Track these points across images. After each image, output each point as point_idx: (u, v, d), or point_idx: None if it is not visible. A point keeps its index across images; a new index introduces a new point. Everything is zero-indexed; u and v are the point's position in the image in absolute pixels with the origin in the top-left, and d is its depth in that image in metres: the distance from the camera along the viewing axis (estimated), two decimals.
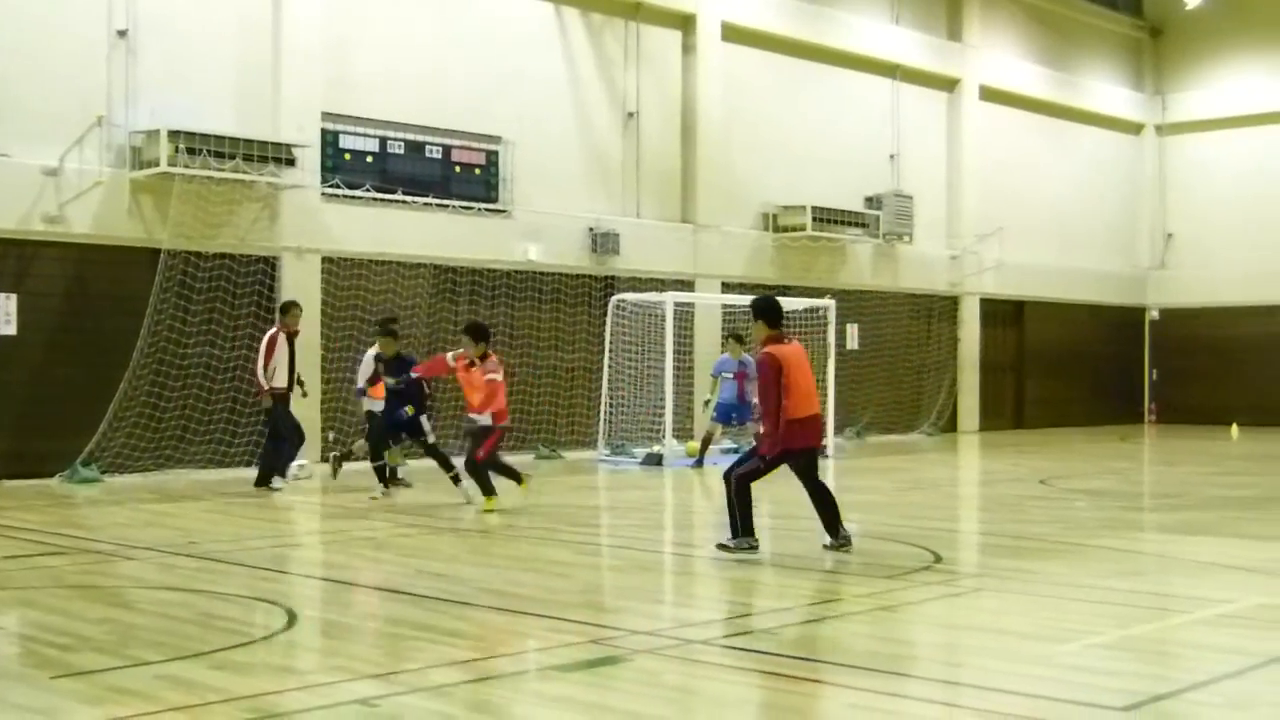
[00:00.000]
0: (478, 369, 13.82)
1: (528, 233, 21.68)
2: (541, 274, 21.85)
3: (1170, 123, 33.78)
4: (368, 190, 19.98)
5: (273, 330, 16.41)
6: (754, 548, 10.70)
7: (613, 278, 22.78)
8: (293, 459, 16.79)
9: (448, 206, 20.90)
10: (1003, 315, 30.27)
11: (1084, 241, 32.14)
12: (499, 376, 13.94)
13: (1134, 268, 33.62)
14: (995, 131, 29.80)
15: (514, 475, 14.28)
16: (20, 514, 13.59)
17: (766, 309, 11.16)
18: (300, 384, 16.51)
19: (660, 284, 22.31)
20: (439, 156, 21.05)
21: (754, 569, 10.88)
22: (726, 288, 24.16)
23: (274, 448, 16.38)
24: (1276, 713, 6.34)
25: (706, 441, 19.66)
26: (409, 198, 20.44)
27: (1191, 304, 32.69)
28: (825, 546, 10.94)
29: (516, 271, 21.55)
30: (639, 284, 22.47)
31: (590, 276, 22.65)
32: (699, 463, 19.39)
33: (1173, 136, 33.80)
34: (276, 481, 16.05)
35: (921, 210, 27.65)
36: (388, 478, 15.50)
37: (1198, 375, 31.77)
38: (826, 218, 25.26)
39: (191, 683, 6.47)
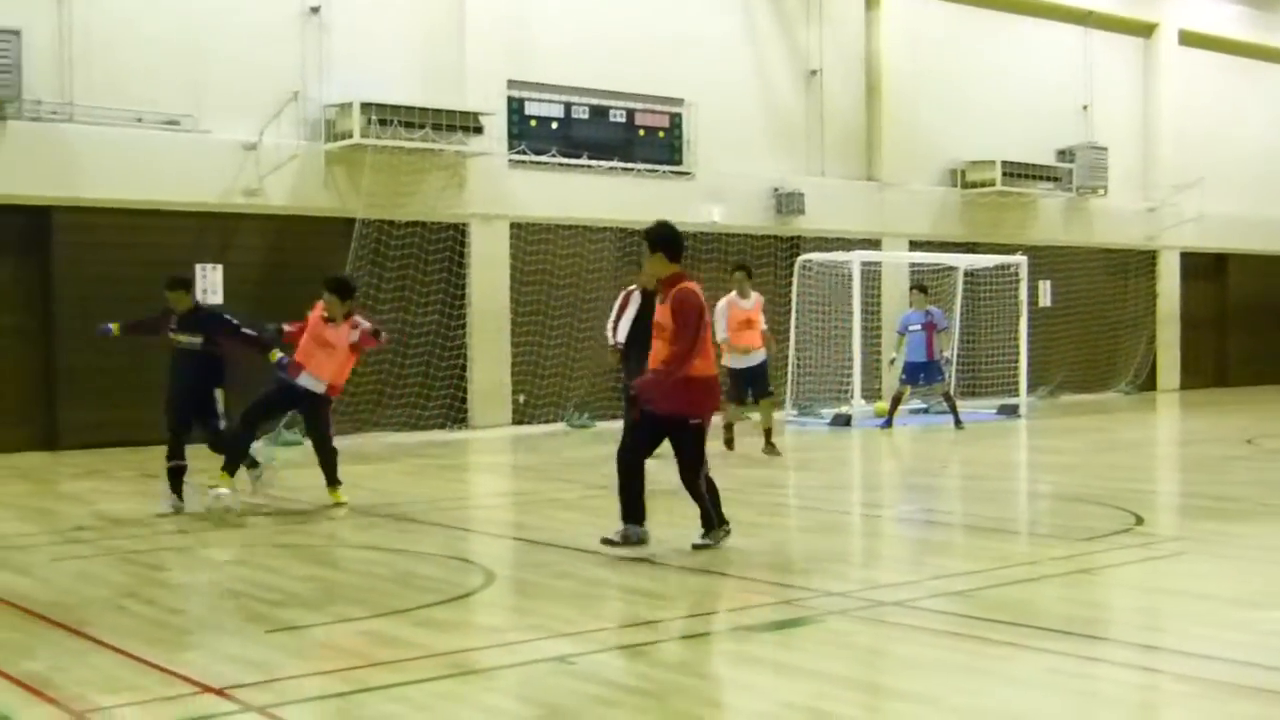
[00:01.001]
0: (340, 328, 11.75)
1: (711, 194, 21.68)
2: (726, 235, 21.84)
3: None
4: (553, 156, 20.20)
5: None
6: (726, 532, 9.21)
7: (798, 238, 22.66)
8: None
9: (631, 170, 21.01)
10: (1203, 269, 29.27)
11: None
12: (357, 339, 11.85)
13: None
14: (1194, 77, 28.75)
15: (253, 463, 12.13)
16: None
17: (668, 239, 9.02)
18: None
19: (846, 243, 22.12)
20: (622, 120, 21.17)
21: (946, 530, 10.78)
22: (913, 246, 23.85)
23: None
24: None
25: (896, 401, 19.46)
26: (593, 162, 20.60)
27: None
28: (695, 546, 9.13)
29: (701, 234, 21.57)
30: (824, 244, 22.31)
31: (775, 237, 22.57)
32: (888, 423, 19.21)
33: None
34: None
35: (1116, 162, 26.86)
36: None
37: None
38: (1016, 172, 24.72)
39: (394, 638, 6.68)
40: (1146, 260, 28.27)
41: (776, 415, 16.33)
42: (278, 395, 11.90)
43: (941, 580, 8.38)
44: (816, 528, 11.07)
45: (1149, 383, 27.89)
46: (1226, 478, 14.16)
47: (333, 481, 11.80)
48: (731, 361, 15.47)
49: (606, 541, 9.13)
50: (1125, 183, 27.42)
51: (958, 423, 18.84)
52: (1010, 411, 21.17)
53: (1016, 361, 21.52)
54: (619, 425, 19.00)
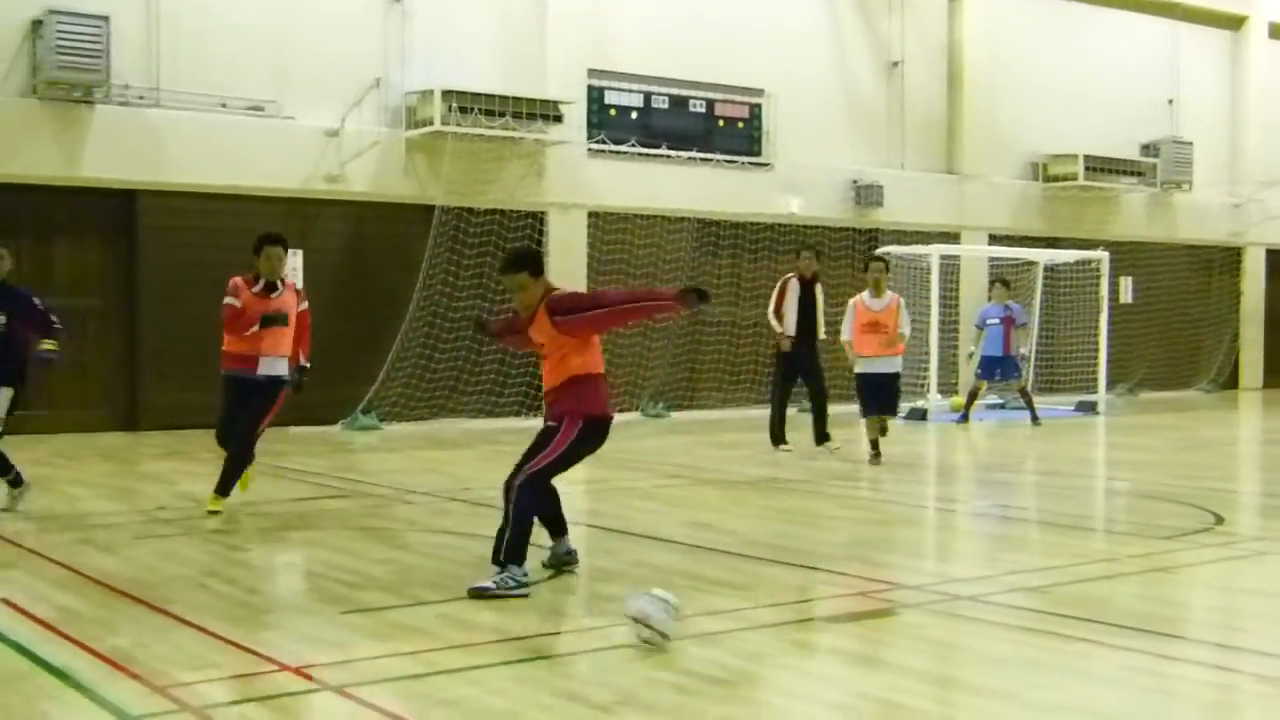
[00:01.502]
0: (285, 296, 10.49)
1: (789, 185, 21.62)
2: (804, 227, 21.77)
3: None
4: (632, 145, 20.22)
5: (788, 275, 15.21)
6: (524, 585, 7.38)
7: (876, 230, 22.54)
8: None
9: (710, 160, 20.99)
10: None
11: None
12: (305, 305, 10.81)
13: None
14: (1275, 69, 28.22)
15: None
16: (306, 459, 14.30)
17: (531, 257, 7.94)
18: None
19: (924, 236, 21.98)
20: (702, 110, 21.15)
21: (1021, 526, 10.69)
22: (993, 240, 23.65)
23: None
24: None
25: (973, 396, 19.31)
26: (672, 152, 20.61)
27: None
28: (545, 564, 8.10)
29: (779, 224, 21.52)
30: (903, 236, 22.19)
31: (853, 229, 22.47)
32: (964, 418, 19.08)
33: None
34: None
35: (1201, 156, 26.47)
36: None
37: None
38: (1099, 166, 24.44)
39: (468, 622, 6.73)
40: (1231, 257, 27.84)
41: (848, 408, 16.11)
42: (236, 395, 10.45)
43: (1017, 576, 8.32)
44: (892, 521, 11.02)
45: (1231, 381, 27.48)
46: None
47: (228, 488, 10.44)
48: (858, 366, 14.22)
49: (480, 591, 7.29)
50: (1210, 178, 27.01)
51: (1035, 419, 18.67)
52: (1088, 408, 20.95)
53: (1096, 358, 21.29)
54: (694, 415, 19.07)
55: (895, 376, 14.22)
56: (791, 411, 15.58)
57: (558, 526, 8.14)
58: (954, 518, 11.46)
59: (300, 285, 12.99)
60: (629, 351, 20.01)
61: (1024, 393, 19.21)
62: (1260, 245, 28.06)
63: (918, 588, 7.75)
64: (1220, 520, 10.28)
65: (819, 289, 15.03)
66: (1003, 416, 20.20)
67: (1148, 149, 25.81)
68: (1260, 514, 11.70)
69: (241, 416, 10.39)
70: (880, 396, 14.08)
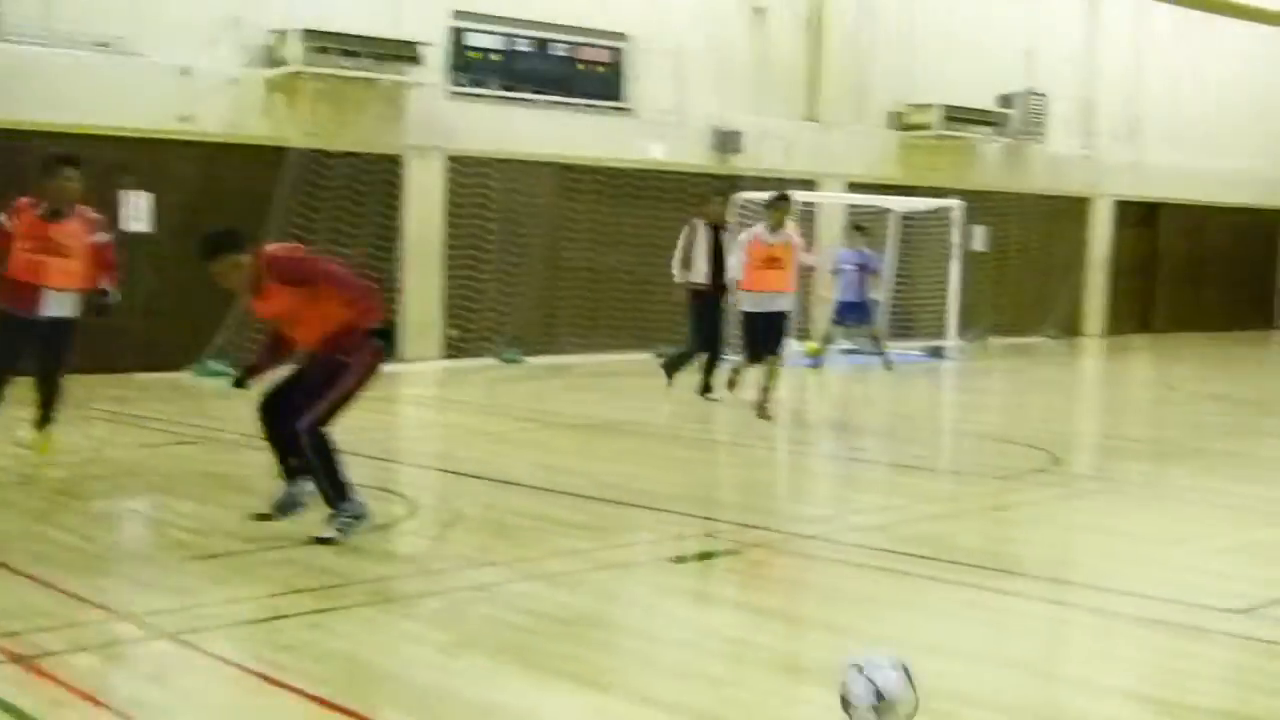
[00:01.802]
0: (70, 225, 9.34)
1: (651, 131, 21.61)
2: (664, 173, 21.79)
3: None
4: (493, 89, 20.05)
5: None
6: (362, 515, 7.24)
7: (736, 177, 22.64)
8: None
9: (572, 105, 20.90)
10: (1135, 218, 29.51)
11: (1225, 143, 31.07)
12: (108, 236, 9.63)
13: (1274, 169, 32.53)
14: (1137, 26, 28.86)
15: None
16: (153, 404, 14.04)
17: (231, 234, 7.25)
18: None
19: (784, 183, 22.11)
20: (564, 55, 21.03)
21: (868, 468, 10.91)
22: (851, 187, 23.91)
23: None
24: None
25: (826, 341, 19.56)
26: (534, 96, 20.47)
27: None
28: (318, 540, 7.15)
29: (639, 170, 21.52)
30: (763, 183, 22.29)
31: (714, 175, 22.55)
32: (817, 362, 19.32)
33: None
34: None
35: (1055, 109, 27.00)
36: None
37: None
38: (956, 116, 24.79)
39: (312, 567, 6.69)
40: (1080, 207, 28.49)
41: None
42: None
43: (863, 515, 8.51)
44: (742, 464, 11.17)
45: (1076, 328, 28.20)
46: (1145, 420, 14.41)
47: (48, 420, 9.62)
48: (745, 304, 13.32)
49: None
50: (1064, 130, 27.57)
51: (886, 363, 18.99)
52: (938, 353, 21.38)
53: (947, 305, 21.70)
54: (551, 360, 19.07)
55: (785, 315, 13.43)
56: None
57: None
58: (804, 460, 11.65)
59: (148, 228, 12.29)
60: (485, 297, 19.91)
61: (875, 338, 19.52)
62: (1109, 197, 28.74)
63: (765, 528, 7.87)
64: (1057, 460, 10.60)
65: (726, 235, 14.72)
66: (855, 361, 20.51)
67: (1004, 100, 26.24)
68: (1095, 454, 12.10)
69: (38, 362, 9.44)
70: (769, 337, 13.18)
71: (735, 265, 13.34)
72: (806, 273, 14.04)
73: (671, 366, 14.76)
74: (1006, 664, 5.35)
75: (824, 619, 6.18)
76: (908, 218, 22.90)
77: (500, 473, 9.70)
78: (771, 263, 13.14)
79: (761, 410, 12.90)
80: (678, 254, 14.74)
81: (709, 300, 14.34)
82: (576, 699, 4.85)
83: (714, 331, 14.51)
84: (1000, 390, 17.51)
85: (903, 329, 22.45)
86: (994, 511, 8.68)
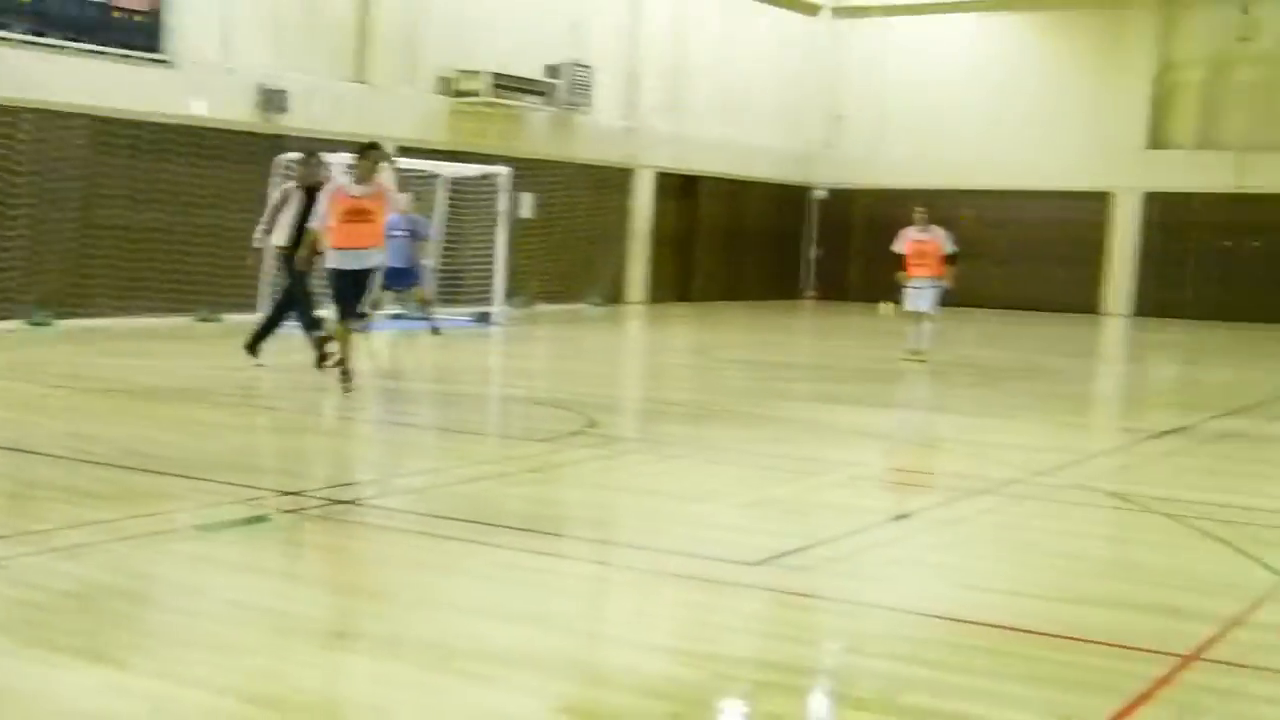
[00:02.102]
0: None
1: (192, 85, 20.73)
2: (206, 130, 20.98)
3: (846, 5, 34.67)
4: (19, 33, 18.68)
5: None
6: None
7: (281, 137, 22.07)
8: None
9: (106, 54, 19.77)
10: (675, 189, 30.76)
11: (758, 119, 32.84)
12: None
13: (804, 147, 34.61)
14: (680, 3, 29.99)
15: None
16: None
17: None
18: None
19: (332, 145, 21.73)
20: (99, 0, 19.85)
21: (410, 432, 10.92)
22: (402, 152, 23.75)
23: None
24: (888, 563, 6.80)
25: (374, 306, 19.37)
26: (64, 43, 19.22)
27: (856, 185, 33.97)
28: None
29: (180, 126, 20.62)
30: (311, 144, 21.81)
31: (257, 134, 21.89)
32: (364, 327, 19.11)
33: (848, 20, 34.69)
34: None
35: (601, 81, 27.72)
36: None
37: (858, 255, 33.20)
38: (505, 84, 25.06)
39: None
40: (624, 178, 29.42)
41: (252, 317, 15.68)
42: None
43: (407, 480, 8.50)
44: (282, 429, 10.93)
45: (620, 296, 29.15)
46: (681, 384, 15.05)
47: None
48: (331, 261, 12.45)
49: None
50: (608, 101, 28.34)
51: (434, 328, 19.02)
52: (485, 319, 21.62)
53: (494, 271, 21.97)
54: (84, 324, 18.05)
55: (372, 273, 12.76)
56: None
57: None
58: (348, 425, 11.51)
59: None
60: (11, 256, 18.61)
61: (424, 302, 19.52)
62: (650, 168, 29.81)
63: (306, 494, 7.72)
64: (593, 423, 10.91)
65: (319, 198, 14.16)
66: (403, 326, 20.45)
67: (551, 70, 26.72)
68: (633, 417, 12.55)
69: None
70: (353, 296, 12.42)
71: (319, 216, 12.40)
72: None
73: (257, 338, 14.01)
74: (547, 624, 5.44)
75: (368, 586, 6.13)
76: (456, 184, 23.01)
77: (20, 441, 9.10)
78: (358, 216, 12.18)
79: (344, 375, 12.24)
80: (264, 218, 14.12)
81: (289, 263, 13.59)
82: (92, 677, 4.59)
83: (289, 297, 13.84)
84: (545, 355, 17.89)
85: (451, 294, 22.55)
86: (536, 474, 8.84)
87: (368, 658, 4.95)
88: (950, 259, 17.42)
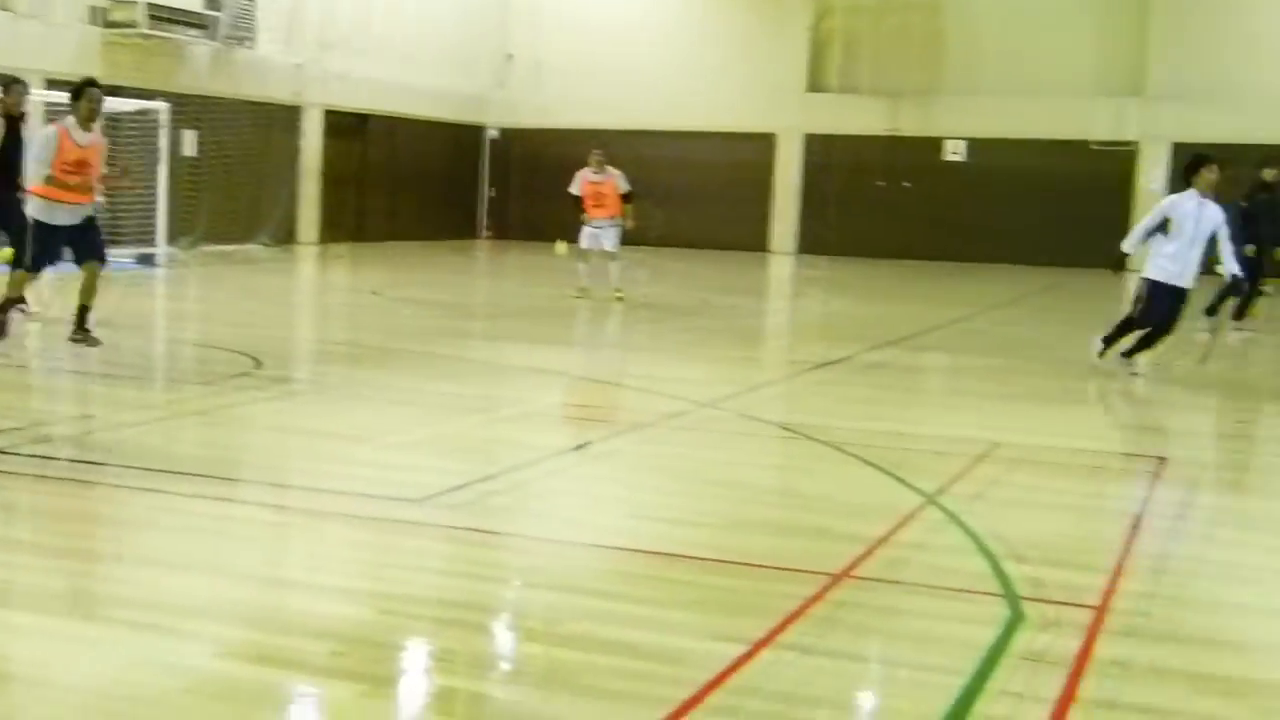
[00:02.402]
0: None
1: None
2: None
3: None
4: None
5: None
6: None
7: None
8: None
9: None
10: (346, 128, 30.13)
11: (431, 58, 32.43)
12: None
13: (477, 87, 34.41)
14: None
15: None
16: None
17: None
18: None
19: None
20: None
21: (69, 378, 10.43)
22: (52, 84, 22.47)
23: None
24: (557, 496, 6.89)
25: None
26: None
27: (528, 125, 34.01)
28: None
29: None
30: None
31: None
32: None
33: None
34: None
35: (265, 15, 26.84)
36: None
37: (533, 194, 33.33)
38: (161, 15, 23.96)
39: None
40: (292, 116, 28.62)
41: None
42: None
43: (63, 427, 8.12)
44: None
45: (290, 236, 28.44)
46: (354, 324, 14.86)
47: None
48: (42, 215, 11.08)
49: None
50: (275, 36, 27.48)
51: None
52: (148, 260, 20.78)
53: (156, 210, 21.11)
54: None
55: (93, 227, 11.49)
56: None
57: None
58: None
59: None
60: None
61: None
62: (318, 106, 29.10)
63: None
64: (259, 364, 10.64)
65: (25, 128, 12.82)
66: (65, 269, 19.46)
67: (212, 3, 25.71)
68: (304, 358, 12.31)
69: None
70: (57, 251, 11.40)
71: (42, 160, 10.97)
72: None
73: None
74: (224, 572, 5.28)
75: (22, 538, 5.83)
76: (112, 119, 21.87)
77: None
78: (81, 168, 11.00)
79: (82, 335, 11.21)
80: None
81: (5, 197, 12.23)
82: None
83: (13, 224, 12.03)
84: (211, 298, 17.33)
85: (111, 235, 21.57)
86: (200, 418, 8.58)
87: (27, 612, 4.72)
88: (626, 198, 17.74)
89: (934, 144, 30.72)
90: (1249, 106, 27.94)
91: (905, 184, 30.84)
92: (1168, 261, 11.34)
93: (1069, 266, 27.16)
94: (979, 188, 30.11)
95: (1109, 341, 11.85)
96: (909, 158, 30.75)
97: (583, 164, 17.88)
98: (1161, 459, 8.33)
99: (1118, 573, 5.57)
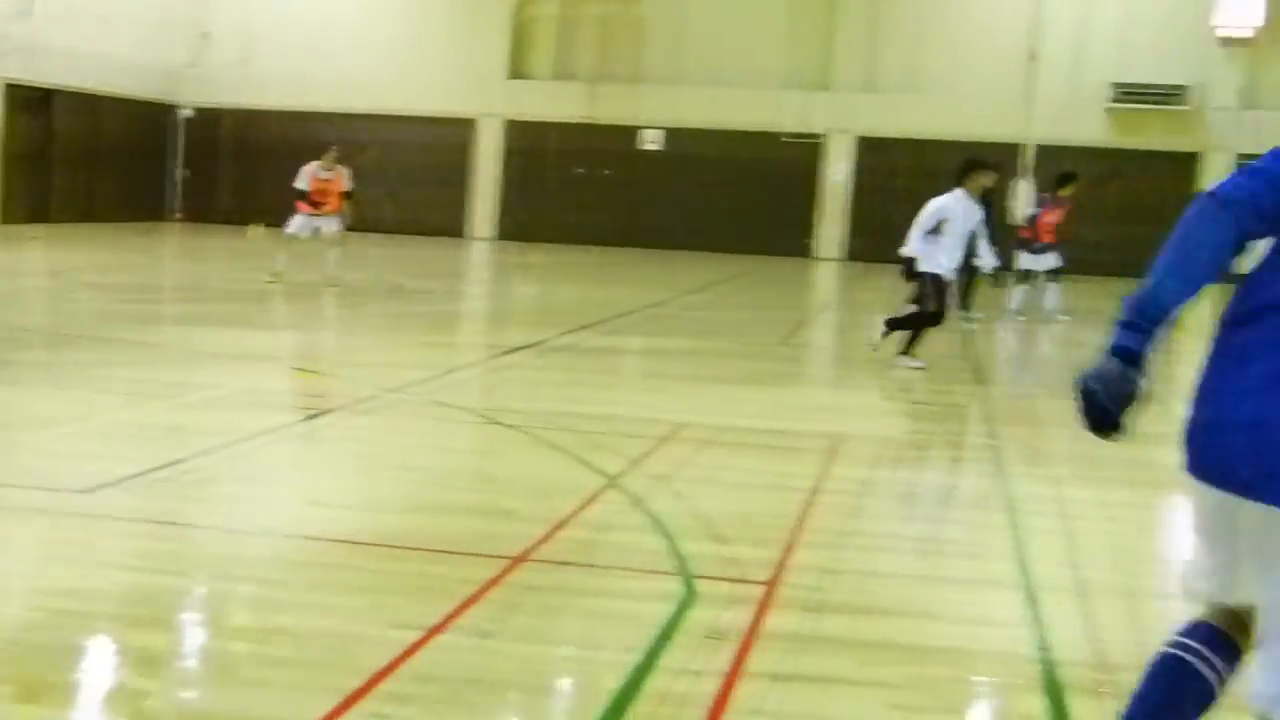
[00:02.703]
0: None
1: None
2: None
3: None
4: None
5: None
6: None
7: None
8: None
9: None
10: (31, 103, 28.57)
11: (119, 32, 31.00)
12: None
13: (169, 63, 33.08)
14: None
15: None
16: None
17: None
18: None
19: None
20: None
21: None
22: None
23: None
24: (235, 483, 6.71)
25: None
26: None
27: (225, 105, 32.91)
28: None
29: None
30: None
31: None
32: None
33: None
34: None
35: None
36: None
37: (227, 176, 32.33)
38: None
39: None
40: None
41: None
42: None
43: None
44: None
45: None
46: (35, 309, 14.13)
47: None
48: None
49: None
50: None
51: None
52: None
53: None
54: None
55: None
56: None
57: None
58: None
59: None
60: None
61: None
62: None
63: None
64: None
65: None
66: None
67: None
68: None
69: None
70: None
71: None
72: None
73: None
74: None
75: None
76: None
77: None
78: None
79: None
80: None
81: None
82: None
83: None
84: None
85: None
86: None
87: None
88: (347, 195, 17.69)
89: (631, 132, 31.17)
90: (935, 101, 29.32)
91: (606, 171, 31.19)
92: (945, 258, 12.00)
93: (758, 254, 28.03)
94: (675, 176, 30.71)
95: (894, 328, 12.20)
96: (608, 145, 31.12)
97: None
98: (838, 436, 8.66)
99: (789, 548, 5.76)
